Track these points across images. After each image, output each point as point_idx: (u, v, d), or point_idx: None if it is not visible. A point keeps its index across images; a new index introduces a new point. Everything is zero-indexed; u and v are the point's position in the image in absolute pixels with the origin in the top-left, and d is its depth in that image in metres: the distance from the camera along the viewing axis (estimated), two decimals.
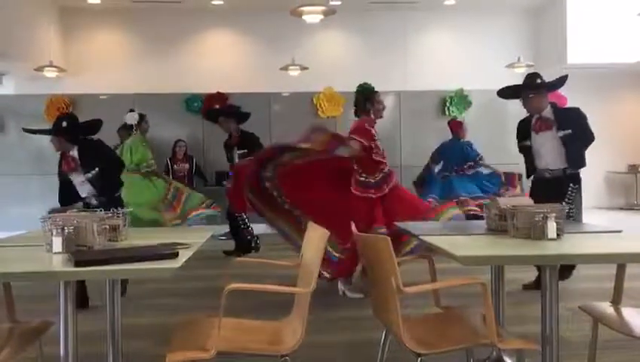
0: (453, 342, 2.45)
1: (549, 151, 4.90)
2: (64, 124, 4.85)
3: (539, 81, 4.91)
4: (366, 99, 5.24)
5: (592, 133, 4.98)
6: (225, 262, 6.65)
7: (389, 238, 2.36)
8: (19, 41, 8.63)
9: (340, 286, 5.15)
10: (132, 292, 5.14)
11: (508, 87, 5.06)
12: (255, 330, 2.63)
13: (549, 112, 4.92)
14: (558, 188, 4.76)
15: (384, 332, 2.74)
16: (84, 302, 4.78)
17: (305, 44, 10.25)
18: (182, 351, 2.29)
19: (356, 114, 5.35)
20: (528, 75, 5.06)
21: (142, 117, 7.51)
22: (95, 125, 5.06)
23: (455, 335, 2.52)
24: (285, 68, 9.48)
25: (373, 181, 5.02)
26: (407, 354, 2.34)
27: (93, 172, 4.93)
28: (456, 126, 8.01)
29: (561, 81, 4.98)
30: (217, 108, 8.66)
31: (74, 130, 4.89)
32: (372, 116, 5.22)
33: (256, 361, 3.28)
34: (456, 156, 7.69)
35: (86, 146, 5.00)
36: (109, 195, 4.92)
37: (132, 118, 7.36)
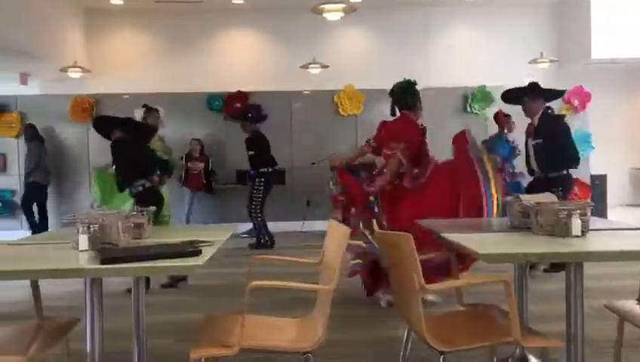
0: (477, 339, 2.43)
1: (533, 155, 5.54)
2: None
3: (539, 90, 5.48)
4: (412, 94, 4.88)
5: (563, 148, 5.41)
6: (246, 260, 6.64)
7: (410, 235, 2.35)
8: (44, 42, 8.78)
9: (381, 296, 4.74)
10: (156, 290, 5.20)
11: (510, 90, 5.69)
12: (278, 327, 2.65)
13: (536, 120, 5.48)
14: (543, 190, 4.96)
15: (406, 330, 2.73)
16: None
17: (325, 42, 10.25)
18: (205, 348, 2.31)
19: (394, 112, 5.00)
20: (530, 83, 5.55)
21: (149, 111, 7.20)
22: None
23: (478, 332, 2.51)
24: (306, 66, 9.50)
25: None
26: (430, 351, 2.33)
27: (113, 167, 5.53)
28: (501, 118, 7.69)
29: (556, 93, 5.87)
30: (238, 111, 8.85)
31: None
32: (415, 112, 4.86)
33: (278, 358, 3.31)
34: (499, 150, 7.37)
35: (112, 143, 5.35)
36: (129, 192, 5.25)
37: (137, 114, 7.37)
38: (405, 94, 4.86)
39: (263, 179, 7.96)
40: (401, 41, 10.38)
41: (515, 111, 6.21)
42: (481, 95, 9.86)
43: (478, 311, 2.78)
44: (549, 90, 5.70)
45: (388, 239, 2.66)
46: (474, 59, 10.22)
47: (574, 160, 5.50)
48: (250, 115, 8.40)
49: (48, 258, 2.55)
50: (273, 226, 8.88)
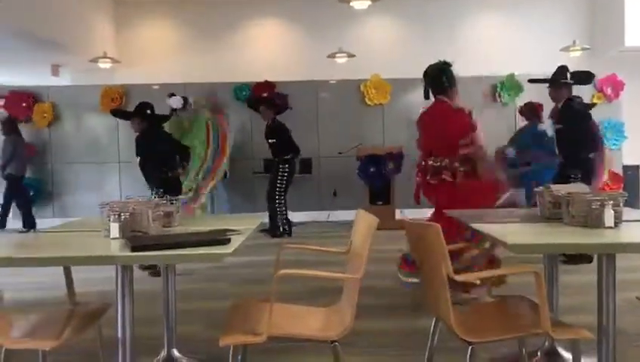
0: (506, 331, 2.41)
1: (556, 139, 5.79)
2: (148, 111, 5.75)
3: (567, 75, 5.62)
4: (442, 72, 4.56)
5: (581, 133, 5.59)
6: (274, 249, 6.71)
7: (439, 226, 2.33)
8: (75, 33, 8.91)
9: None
10: (184, 278, 5.26)
11: (539, 79, 5.90)
12: (305, 316, 2.66)
13: (560, 105, 5.65)
14: (563, 174, 5.49)
15: (434, 321, 2.72)
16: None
17: (352, 32, 10.20)
18: (234, 335, 2.34)
19: (427, 96, 4.67)
20: (558, 67, 5.75)
21: (186, 100, 7.81)
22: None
23: (507, 324, 2.48)
24: (332, 55, 9.47)
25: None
26: (458, 342, 2.32)
27: (139, 158, 5.74)
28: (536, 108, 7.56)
29: (585, 79, 5.89)
30: (257, 98, 8.81)
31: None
32: (451, 95, 4.55)
33: (306, 346, 3.33)
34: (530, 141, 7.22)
35: (140, 135, 5.53)
36: (150, 186, 5.54)
37: (176, 102, 7.49)
38: (441, 76, 4.55)
39: (287, 166, 7.93)
40: (429, 29, 10.27)
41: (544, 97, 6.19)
42: (510, 84, 9.68)
43: (507, 303, 2.76)
44: (576, 74, 5.76)
45: (416, 229, 2.65)
46: (502, 47, 10.06)
47: (591, 145, 5.68)
48: (271, 100, 8.35)
49: (80, 245, 2.60)
50: (299, 216, 8.93)
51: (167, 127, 6.84)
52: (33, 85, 9.71)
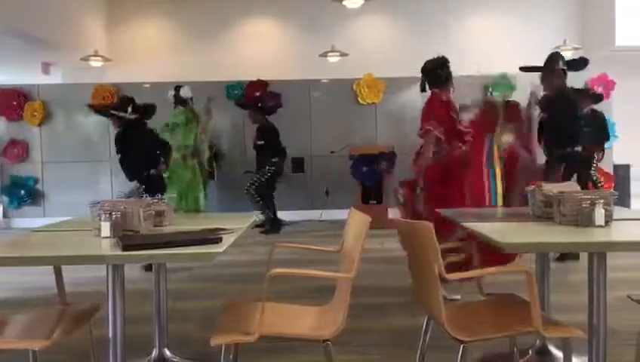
0: (497, 329, 2.42)
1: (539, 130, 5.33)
2: (129, 109, 5.58)
3: (560, 62, 5.22)
4: (439, 67, 4.76)
5: (566, 124, 5.20)
6: (266, 248, 6.72)
7: (431, 224, 2.34)
8: (66, 31, 8.87)
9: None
10: (176, 277, 5.25)
11: (530, 67, 5.45)
12: (297, 315, 2.66)
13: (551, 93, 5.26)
14: (549, 169, 5.15)
15: (425, 319, 2.72)
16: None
17: (344, 31, 10.21)
18: (226, 335, 2.33)
19: (424, 88, 4.86)
20: (550, 54, 5.37)
21: (177, 88, 7.70)
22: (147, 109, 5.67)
23: (499, 322, 2.49)
24: (325, 54, 9.47)
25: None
26: (450, 341, 2.32)
27: (119, 156, 5.60)
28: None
29: (578, 65, 5.35)
30: (245, 103, 8.86)
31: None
32: (447, 86, 4.75)
33: (298, 346, 3.32)
34: None
35: (121, 130, 5.48)
36: (138, 181, 5.48)
37: (187, 92, 7.44)
38: (438, 69, 4.74)
39: (273, 168, 8.09)
40: (421, 28, 10.29)
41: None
42: (502, 82, 9.72)
43: (499, 301, 2.76)
44: (570, 61, 5.40)
45: (408, 227, 2.65)
46: (494, 46, 10.09)
47: (573, 137, 5.27)
48: (260, 104, 8.41)
49: (71, 245, 2.58)
50: (291, 214, 8.93)
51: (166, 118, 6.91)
52: (23, 83, 9.64)
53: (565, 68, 5.24)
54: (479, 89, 9.76)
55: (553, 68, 5.22)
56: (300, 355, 3.35)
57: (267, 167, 8.09)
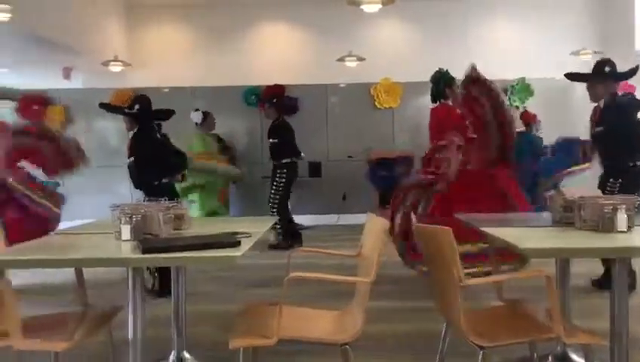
0: (517, 335, 2.40)
1: (595, 143, 5.00)
2: (136, 106, 5.24)
3: (607, 68, 4.74)
4: (447, 85, 5.51)
5: (625, 136, 4.65)
6: (284, 252, 6.72)
7: (450, 229, 2.32)
8: (86, 36, 8.98)
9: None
10: (194, 279, 5.28)
11: (576, 74, 5.02)
12: (316, 319, 2.66)
13: (602, 104, 4.75)
14: (602, 182, 4.73)
15: (445, 324, 2.71)
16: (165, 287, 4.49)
17: (362, 35, 10.20)
18: (244, 338, 2.34)
19: (434, 101, 5.61)
20: (597, 61, 4.93)
21: (206, 115, 8.05)
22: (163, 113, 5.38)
23: (519, 328, 2.47)
24: (342, 59, 9.48)
25: None
26: (469, 346, 2.31)
27: (130, 160, 5.24)
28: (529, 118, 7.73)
29: (628, 73, 4.83)
30: (265, 95, 8.42)
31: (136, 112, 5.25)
32: (451, 94, 5.52)
33: (316, 349, 3.32)
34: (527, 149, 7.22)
35: (135, 134, 5.17)
36: (144, 190, 5.18)
37: (197, 117, 7.95)
38: (438, 84, 5.57)
39: (284, 171, 7.38)
40: (439, 32, 10.25)
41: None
42: (521, 87, 9.65)
43: (519, 307, 2.74)
44: (616, 72, 4.84)
45: (427, 232, 2.64)
46: (513, 51, 10.02)
47: (635, 149, 4.69)
48: (275, 100, 7.77)
49: (92, 247, 2.61)
50: (308, 219, 8.94)
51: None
52: (45, 88, 9.77)
53: (614, 75, 4.78)
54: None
55: (602, 76, 4.73)
56: (318, 359, 3.34)
57: (278, 172, 7.40)
